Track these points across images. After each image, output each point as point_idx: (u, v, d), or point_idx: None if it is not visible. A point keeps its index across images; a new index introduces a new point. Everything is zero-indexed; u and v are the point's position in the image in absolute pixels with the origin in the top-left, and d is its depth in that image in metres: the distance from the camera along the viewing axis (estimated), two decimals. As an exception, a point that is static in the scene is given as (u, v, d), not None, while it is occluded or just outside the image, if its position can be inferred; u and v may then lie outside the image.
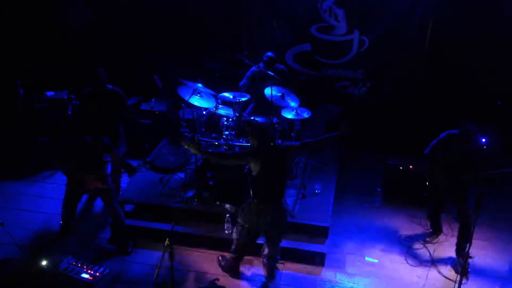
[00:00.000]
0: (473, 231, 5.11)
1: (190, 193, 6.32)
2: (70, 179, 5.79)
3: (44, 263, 5.05)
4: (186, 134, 6.22)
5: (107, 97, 6.31)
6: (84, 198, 6.69)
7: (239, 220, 5.22)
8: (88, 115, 6.31)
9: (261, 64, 6.70)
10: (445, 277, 5.57)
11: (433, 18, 6.94)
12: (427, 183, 5.80)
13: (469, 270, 5.43)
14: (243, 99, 6.32)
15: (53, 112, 7.47)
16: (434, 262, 5.80)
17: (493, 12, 6.64)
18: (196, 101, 6.21)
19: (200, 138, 6.18)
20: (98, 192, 5.77)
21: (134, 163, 7.34)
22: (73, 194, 5.89)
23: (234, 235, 5.35)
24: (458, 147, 5.36)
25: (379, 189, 6.82)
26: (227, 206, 5.90)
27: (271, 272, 5.40)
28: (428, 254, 5.93)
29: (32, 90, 7.75)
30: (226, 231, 5.86)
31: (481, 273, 5.62)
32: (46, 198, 6.84)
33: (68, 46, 8.13)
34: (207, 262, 5.75)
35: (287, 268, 5.68)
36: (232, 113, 6.20)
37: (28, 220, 6.43)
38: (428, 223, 6.23)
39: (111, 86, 6.36)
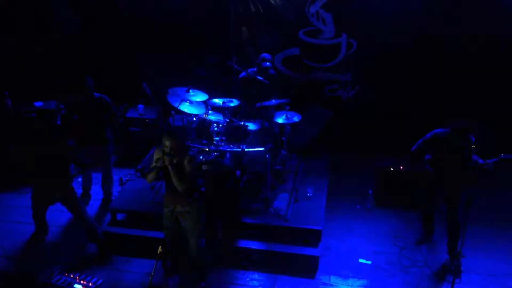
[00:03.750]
0: (464, 230, 5.14)
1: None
2: (36, 190, 5.63)
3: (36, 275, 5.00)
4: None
5: (95, 105, 6.29)
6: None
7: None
8: (76, 123, 6.27)
9: (251, 69, 6.66)
10: (439, 276, 5.60)
11: (420, 19, 6.99)
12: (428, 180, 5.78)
13: (462, 269, 5.46)
14: (232, 104, 6.31)
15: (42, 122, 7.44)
16: (427, 262, 5.82)
17: (485, 10, 6.70)
18: (186, 107, 6.20)
19: (191, 145, 6.16)
20: (65, 201, 5.66)
21: (125, 171, 7.36)
22: (41, 205, 5.74)
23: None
24: (448, 144, 5.39)
25: (370, 191, 6.84)
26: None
27: None
28: (421, 254, 5.95)
29: (20, 101, 7.70)
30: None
31: (474, 272, 5.66)
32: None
33: (56, 53, 8.09)
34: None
35: (281, 272, 5.67)
36: (222, 119, 6.19)
37: (18, 231, 6.36)
38: (421, 223, 6.25)
39: (98, 94, 6.35)
